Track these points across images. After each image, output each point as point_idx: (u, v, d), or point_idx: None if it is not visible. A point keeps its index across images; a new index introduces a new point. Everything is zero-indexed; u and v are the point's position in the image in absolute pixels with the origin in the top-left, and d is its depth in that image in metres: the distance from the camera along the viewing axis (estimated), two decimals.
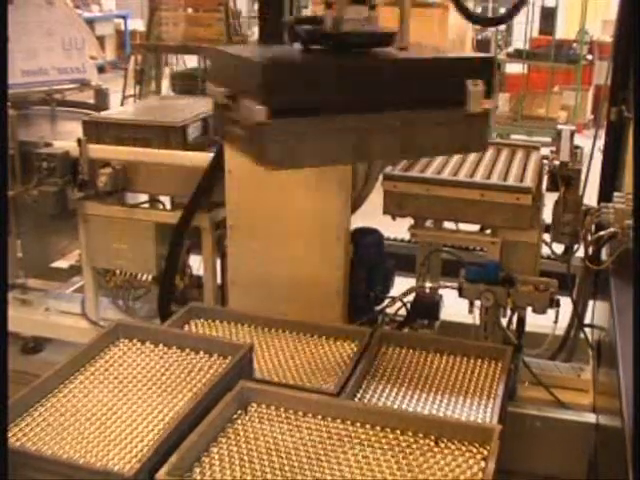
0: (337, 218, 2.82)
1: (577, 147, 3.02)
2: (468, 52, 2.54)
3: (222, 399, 2.05)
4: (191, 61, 10.08)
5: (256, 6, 10.23)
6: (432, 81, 1.97)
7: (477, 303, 2.79)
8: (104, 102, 4.42)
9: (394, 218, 2.82)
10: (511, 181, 2.81)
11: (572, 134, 3.09)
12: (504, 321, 2.85)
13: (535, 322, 2.92)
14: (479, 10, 13.54)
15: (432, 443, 1.96)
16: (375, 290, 3.00)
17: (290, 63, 1.94)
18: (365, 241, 3.01)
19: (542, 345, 2.94)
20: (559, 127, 3.18)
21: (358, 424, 2.03)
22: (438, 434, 1.98)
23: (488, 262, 2.79)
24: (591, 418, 2.82)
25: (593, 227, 2.88)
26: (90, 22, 11.35)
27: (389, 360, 2.51)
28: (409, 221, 2.89)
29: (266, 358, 2.54)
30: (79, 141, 3.20)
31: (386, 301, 3.06)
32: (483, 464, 1.87)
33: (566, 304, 3.02)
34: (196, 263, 3.35)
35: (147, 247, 3.26)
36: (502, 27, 12.66)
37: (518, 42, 10.24)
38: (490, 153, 3.14)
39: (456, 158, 2.97)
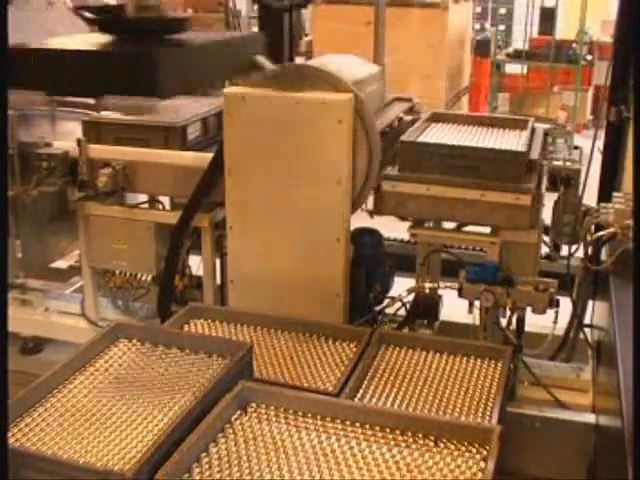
0: (337, 218, 2.82)
1: (576, 147, 3.04)
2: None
3: (222, 399, 2.05)
4: None
5: (256, 6, 10.22)
6: None
7: (477, 303, 2.79)
8: (104, 102, 4.42)
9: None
10: None
11: (546, 133, 3.12)
12: (504, 321, 2.86)
13: (535, 322, 2.92)
14: (479, 10, 13.56)
15: (432, 443, 1.96)
16: (375, 290, 3.00)
17: None
18: (365, 241, 3.01)
19: (542, 345, 2.93)
20: (533, 125, 3.17)
21: (358, 424, 2.03)
22: (438, 434, 1.98)
23: (487, 262, 2.80)
24: (591, 418, 2.82)
25: (593, 227, 2.88)
26: None
27: (389, 360, 2.51)
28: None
29: (266, 358, 2.54)
30: (79, 141, 3.20)
31: (386, 301, 3.06)
32: (483, 464, 1.87)
33: (566, 304, 3.03)
34: (196, 263, 3.35)
35: (147, 247, 3.26)
36: (502, 27, 12.69)
37: (517, 42, 10.24)
38: None
39: None
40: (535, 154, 2.82)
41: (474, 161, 2.74)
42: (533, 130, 3.10)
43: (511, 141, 2.97)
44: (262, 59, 3.03)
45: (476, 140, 3.00)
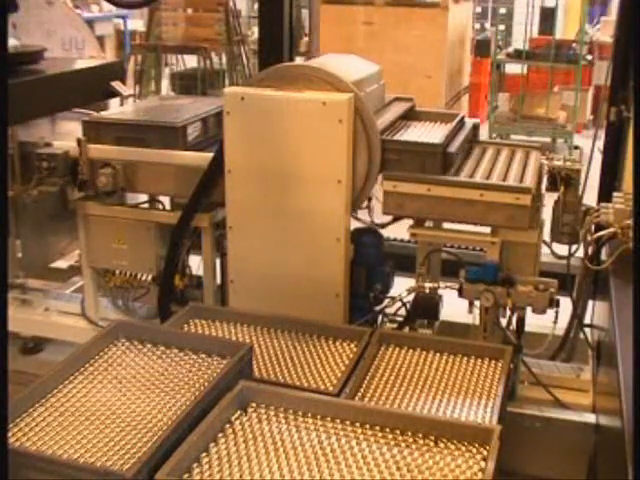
0: (337, 218, 2.82)
1: (576, 147, 3.05)
2: None
3: (222, 399, 2.05)
4: (191, 61, 10.08)
5: (256, 6, 10.23)
6: None
7: (477, 303, 2.79)
8: (104, 102, 4.42)
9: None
10: (511, 181, 2.81)
11: (475, 126, 3.21)
12: (504, 321, 2.86)
13: (535, 322, 2.92)
14: (479, 10, 13.56)
15: (432, 443, 1.96)
16: (375, 290, 3.00)
17: None
18: (365, 241, 3.01)
19: (542, 345, 2.94)
20: (462, 117, 3.19)
21: (358, 424, 2.03)
22: (438, 434, 1.98)
23: (487, 262, 2.79)
24: (591, 418, 2.82)
25: (592, 227, 2.88)
26: (90, 22, 11.30)
27: (389, 360, 2.51)
28: (409, 221, 2.90)
29: (266, 358, 2.54)
30: (79, 141, 3.20)
31: (386, 301, 3.06)
32: (483, 464, 1.87)
33: (566, 304, 3.02)
34: (196, 263, 3.35)
35: (147, 247, 3.26)
36: (502, 27, 12.68)
37: (517, 42, 10.24)
38: (490, 153, 3.15)
39: None
40: (454, 147, 2.87)
41: (396, 154, 2.80)
42: (461, 123, 3.13)
43: (434, 134, 3.00)
44: (117, 85, 3.57)
45: (401, 133, 3.06)
